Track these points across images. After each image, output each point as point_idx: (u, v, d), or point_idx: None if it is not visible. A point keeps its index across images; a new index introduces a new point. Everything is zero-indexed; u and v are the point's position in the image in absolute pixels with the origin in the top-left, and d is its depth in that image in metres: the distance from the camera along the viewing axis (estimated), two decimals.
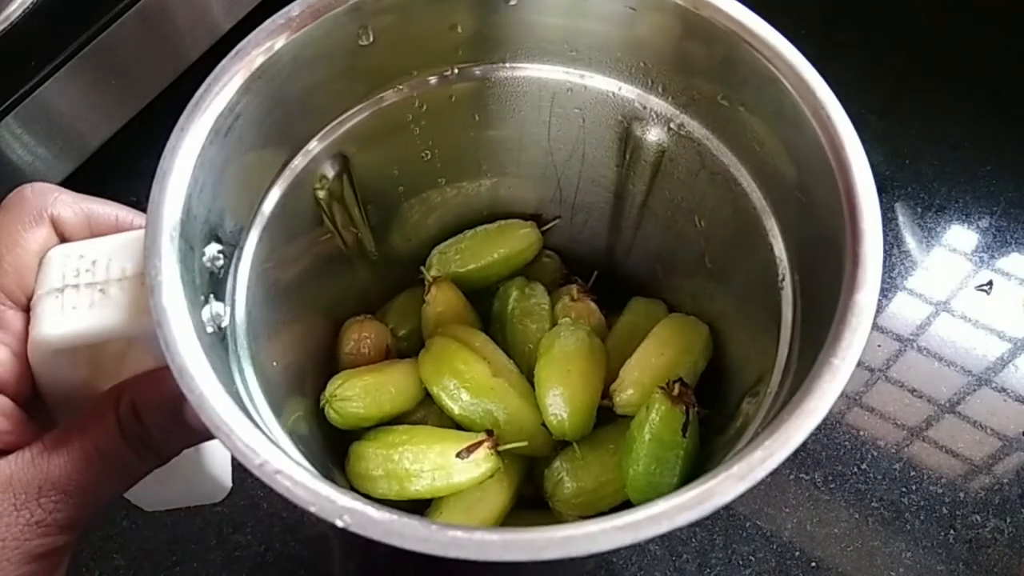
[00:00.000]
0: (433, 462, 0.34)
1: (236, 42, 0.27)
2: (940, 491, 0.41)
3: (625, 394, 0.35)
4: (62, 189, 0.26)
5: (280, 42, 0.28)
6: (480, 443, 0.34)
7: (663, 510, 0.20)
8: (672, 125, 0.34)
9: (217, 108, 0.26)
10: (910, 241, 0.47)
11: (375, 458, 0.35)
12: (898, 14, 0.56)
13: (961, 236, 0.49)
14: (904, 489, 0.41)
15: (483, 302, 0.42)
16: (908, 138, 0.52)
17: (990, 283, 0.47)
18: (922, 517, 0.40)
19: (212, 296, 0.26)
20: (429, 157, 0.38)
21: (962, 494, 0.41)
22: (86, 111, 0.48)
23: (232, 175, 0.28)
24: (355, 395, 0.36)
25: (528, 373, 0.38)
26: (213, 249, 0.27)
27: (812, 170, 0.27)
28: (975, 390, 0.44)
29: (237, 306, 0.29)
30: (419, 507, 0.36)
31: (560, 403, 0.35)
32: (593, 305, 0.41)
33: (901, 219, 0.48)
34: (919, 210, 0.49)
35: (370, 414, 0.36)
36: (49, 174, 0.48)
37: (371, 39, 0.31)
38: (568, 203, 0.42)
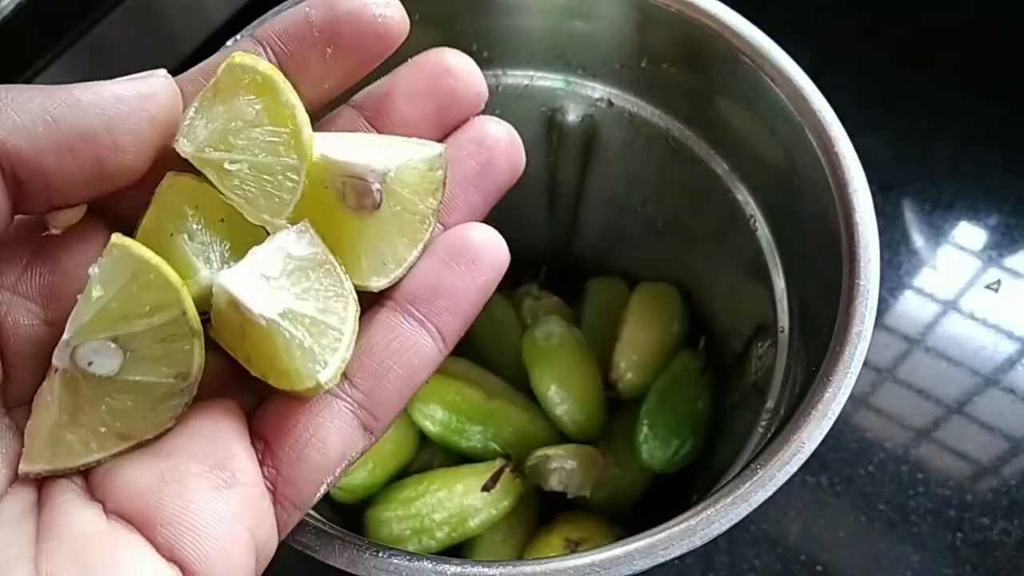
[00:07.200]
0: (458, 505, 0.32)
1: (231, 35, 0.25)
2: (948, 493, 0.40)
3: (626, 378, 0.35)
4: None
5: None
6: (502, 470, 0.33)
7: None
8: (599, 103, 0.34)
9: None
10: (917, 239, 0.46)
11: (397, 520, 0.33)
12: (908, 9, 0.54)
13: (970, 234, 0.47)
14: (911, 491, 0.40)
15: None
16: (917, 134, 0.50)
17: (998, 282, 0.45)
18: (929, 520, 0.39)
19: None
20: None
21: (970, 496, 0.39)
22: None
23: None
24: (355, 465, 0.33)
25: (519, 384, 0.36)
26: None
27: (764, 106, 0.27)
28: (983, 391, 0.43)
29: None
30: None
31: (571, 406, 0.34)
32: (557, 298, 0.40)
33: (909, 216, 0.47)
34: (927, 207, 0.47)
35: (378, 479, 0.34)
36: None
37: None
38: (497, 206, 0.41)
